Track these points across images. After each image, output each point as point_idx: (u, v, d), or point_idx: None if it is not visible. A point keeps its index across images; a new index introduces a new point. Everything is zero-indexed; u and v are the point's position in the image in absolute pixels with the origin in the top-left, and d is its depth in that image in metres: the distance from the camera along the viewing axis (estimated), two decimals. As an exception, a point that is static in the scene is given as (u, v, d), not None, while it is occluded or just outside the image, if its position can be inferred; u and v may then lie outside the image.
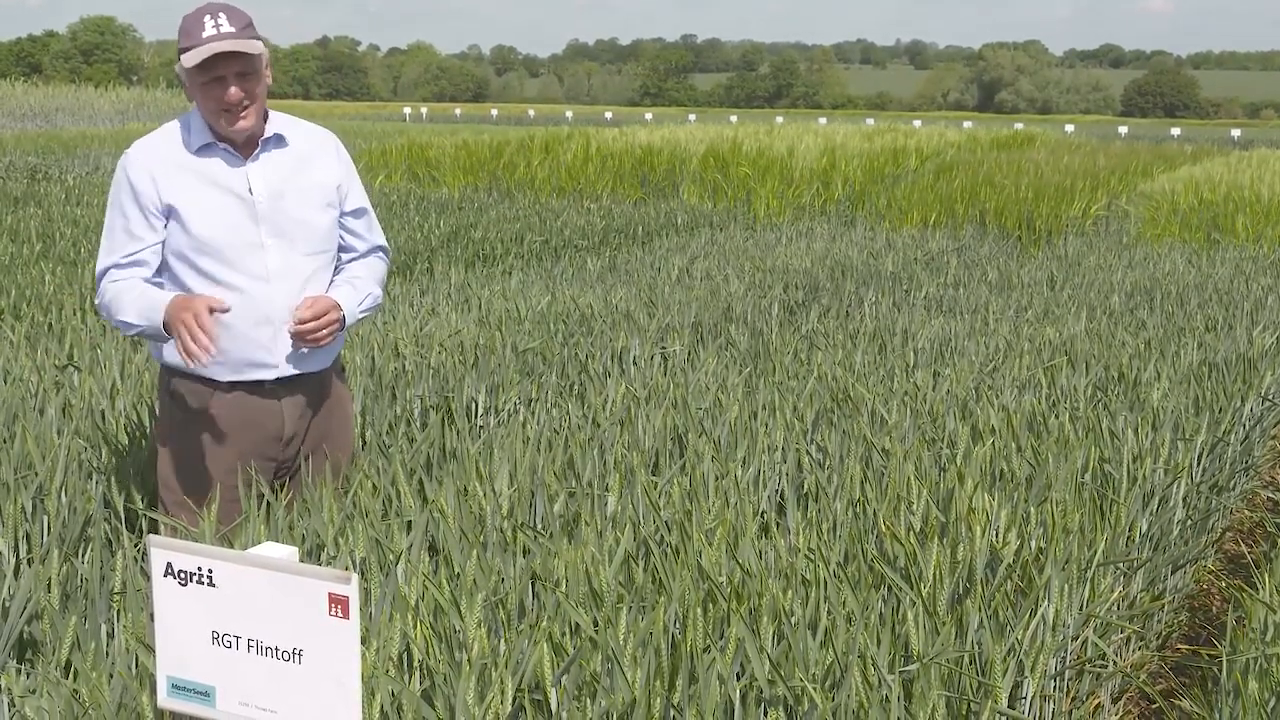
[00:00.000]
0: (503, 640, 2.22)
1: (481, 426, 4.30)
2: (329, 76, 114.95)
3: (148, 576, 2.03)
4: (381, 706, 2.00)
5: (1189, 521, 3.68)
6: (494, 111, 57.83)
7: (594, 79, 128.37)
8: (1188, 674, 3.37)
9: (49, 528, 3.07)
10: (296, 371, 2.88)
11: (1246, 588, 2.94)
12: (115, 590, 2.52)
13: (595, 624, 2.27)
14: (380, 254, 3.11)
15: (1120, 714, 3.00)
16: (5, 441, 3.55)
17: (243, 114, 2.74)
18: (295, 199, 2.85)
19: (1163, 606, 3.43)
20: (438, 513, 2.80)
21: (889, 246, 9.81)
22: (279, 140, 2.86)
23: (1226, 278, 8.15)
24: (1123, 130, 37.19)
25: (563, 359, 5.01)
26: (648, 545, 2.73)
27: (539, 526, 2.99)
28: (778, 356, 5.10)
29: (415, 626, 2.20)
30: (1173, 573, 3.56)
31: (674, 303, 6.56)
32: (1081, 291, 7.50)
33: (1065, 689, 2.76)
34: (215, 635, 1.73)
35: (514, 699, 2.08)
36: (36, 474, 3.17)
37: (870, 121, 33.00)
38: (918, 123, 31.12)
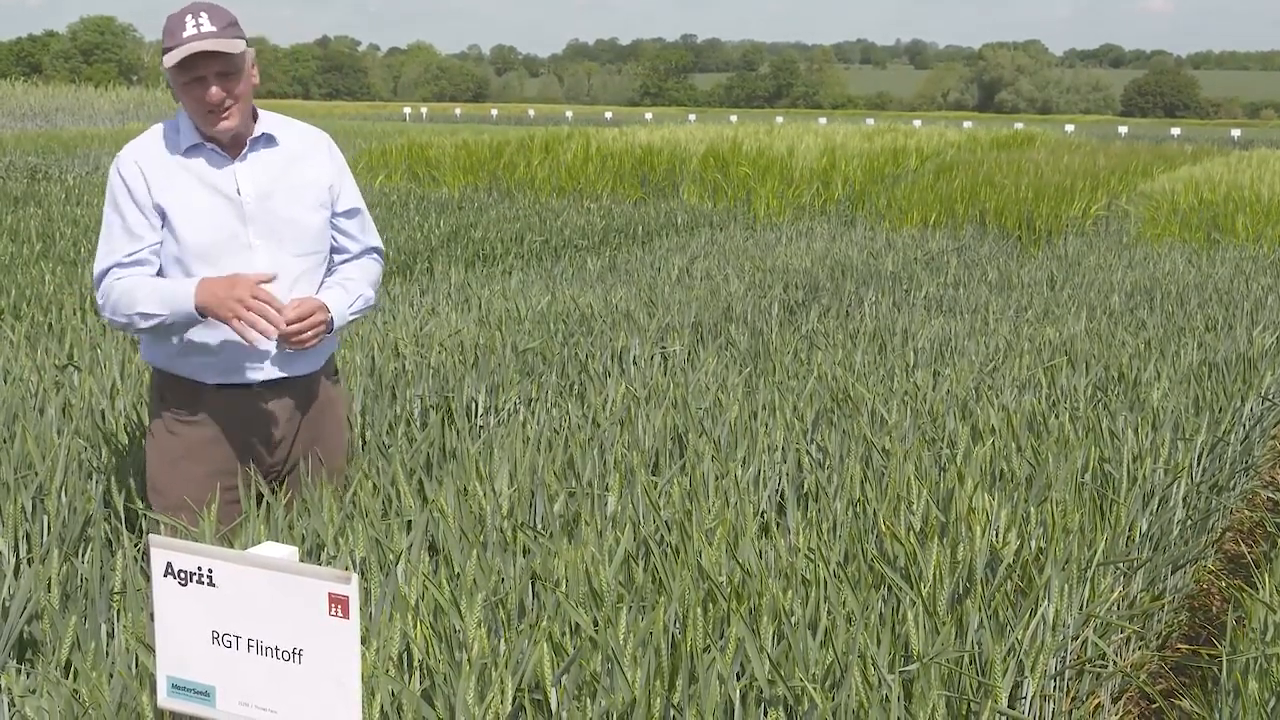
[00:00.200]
0: (503, 640, 2.22)
1: (481, 426, 4.30)
2: (329, 76, 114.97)
3: (148, 576, 2.03)
4: (381, 706, 2.00)
5: (1189, 521, 3.68)
6: (494, 111, 57.85)
7: (594, 79, 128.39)
8: (1188, 674, 3.37)
9: (49, 528, 3.07)
10: (284, 374, 2.86)
11: (1246, 588, 2.94)
12: (115, 590, 2.52)
13: (595, 624, 2.27)
14: (374, 255, 3.07)
15: (1120, 714, 3.00)
16: (5, 441, 3.55)
17: (225, 114, 2.71)
18: (284, 198, 2.82)
19: (1163, 606, 3.43)
20: (438, 513, 2.80)
21: (889, 246, 9.81)
22: (269, 140, 2.84)
23: (1226, 278, 8.15)
24: (1123, 130, 37.20)
25: (563, 359, 5.01)
26: (648, 545, 2.73)
27: (539, 526, 2.99)
28: (778, 356, 5.10)
29: (415, 626, 2.20)
30: (1173, 573, 3.56)
31: (674, 302, 6.56)
32: (1081, 291, 7.50)
33: (1065, 689, 2.76)
34: (215, 635, 1.73)
35: (514, 699, 2.08)
36: (36, 474, 3.17)
37: (870, 121, 33.00)
38: (918, 123, 31.12)
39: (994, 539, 2.80)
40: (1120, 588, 3.12)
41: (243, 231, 2.77)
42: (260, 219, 2.79)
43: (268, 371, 2.83)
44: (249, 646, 1.71)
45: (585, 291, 7.05)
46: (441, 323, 5.81)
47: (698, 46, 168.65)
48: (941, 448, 3.56)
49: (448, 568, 2.57)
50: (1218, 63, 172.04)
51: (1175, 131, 35.13)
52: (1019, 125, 31.65)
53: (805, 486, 3.28)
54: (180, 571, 1.74)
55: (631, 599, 2.41)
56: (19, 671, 2.35)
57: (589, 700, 2.08)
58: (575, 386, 4.76)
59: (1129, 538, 3.30)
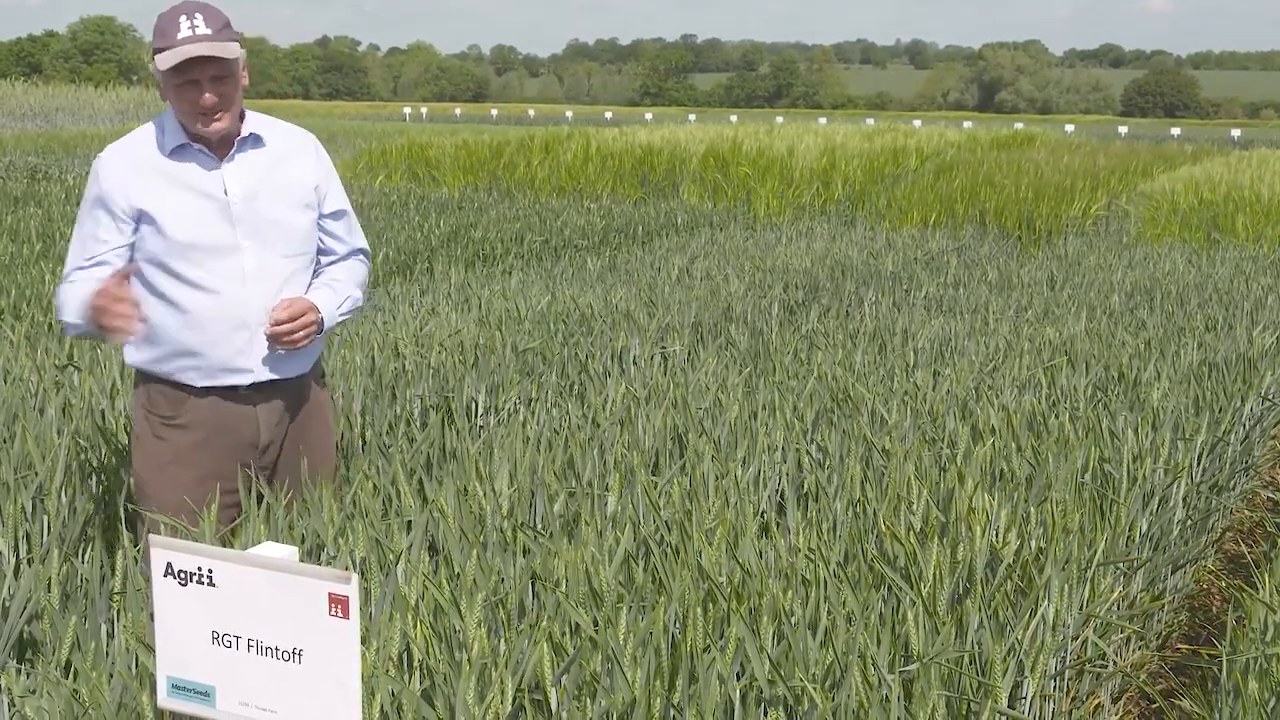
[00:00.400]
0: (503, 640, 2.21)
1: (481, 426, 4.30)
2: (329, 76, 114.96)
3: (148, 577, 2.03)
4: (381, 706, 2.00)
5: (1189, 521, 3.68)
6: (494, 111, 57.85)
7: (594, 79, 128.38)
8: (1188, 674, 3.37)
9: (49, 528, 3.07)
10: (274, 377, 2.83)
11: (1246, 588, 2.94)
12: (115, 590, 2.52)
13: (595, 624, 2.27)
14: (361, 256, 3.05)
15: (1120, 714, 3.00)
16: (5, 441, 3.54)
17: (217, 117, 2.69)
18: (270, 198, 2.79)
19: (1163, 606, 3.43)
20: (438, 513, 2.80)
21: (889, 246, 9.82)
22: (255, 140, 2.81)
23: (1226, 278, 8.15)
24: (1123, 130, 37.20)
25: (563, 359, 5.01)
26: (648, 545, 2.73)
27: (539, 526, 2.99)
28: (778, 356, 5.10)
29: (415, 626, 2.19)
30: (1173, 573, 3.56)
31: (674, 302, 6.56)
32: (1081, 291, 7.50)
33: (1065, 689, 2.76)
34: (215, 635, 1.73)
35: (514, 699, 2.08)
36: (36, 474, 3.17)
37: (870, 121, 32.99)
38: (918, 123, 31.12)
39: (994, 539, 2.80)
40: (1120, 588, 3.12)
41: (230, 233, 2.75)
42: (247, 220, 2.76)
43: (258, 374, 2.80)
44: (249, 646, 1.71)
45: (585, 291, 7.05)
46: (441, 323, 5.81)
47: (698, 46, 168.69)
48: (941, 448, 3.56)
49: (448, 568, 2.57)
50: (1218, 63, 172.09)
51: (1175, 131, 35.13)
52: (1019, 125, 31.65)
53: (805, 486, 3.28)
54: (180, 571, 1.74)
55: (631, 599, 2.40)
56: (19, 671, 2.35)
57: (589, 700, 2.08)
58: (575, 386, 4.76)
59: (1129, 538, 3.30)
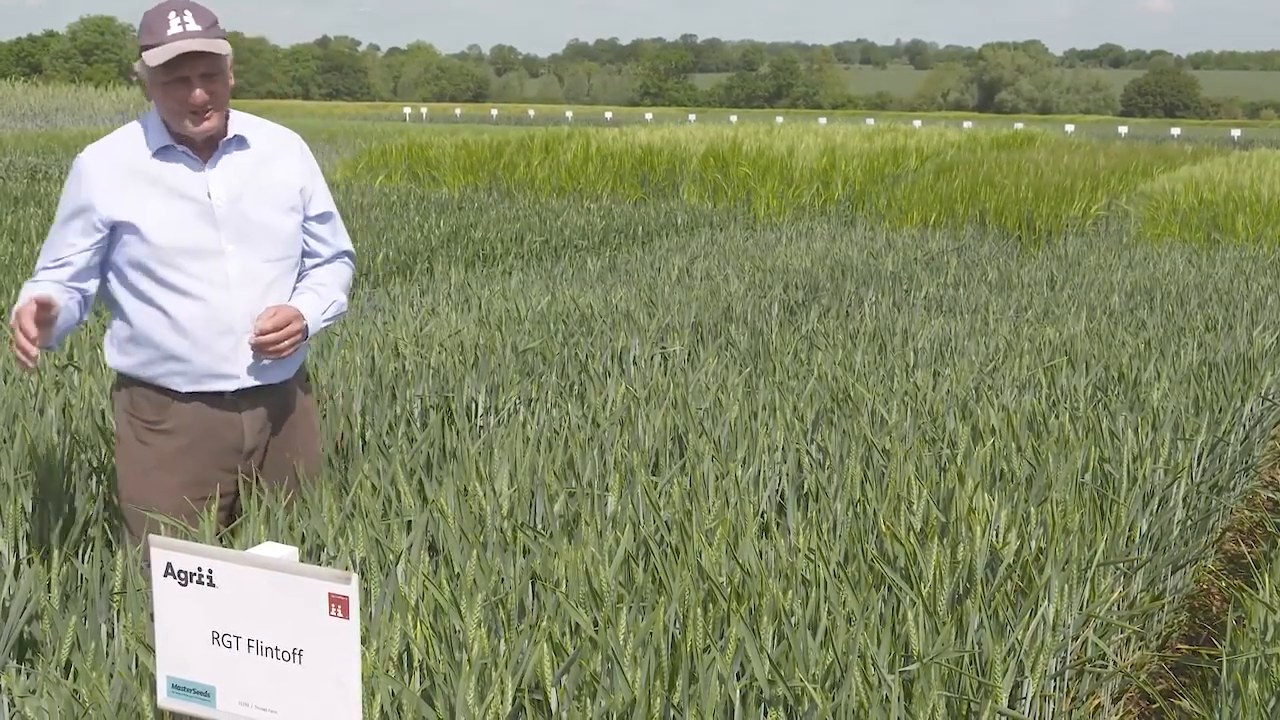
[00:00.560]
0: (503, 640, 2.22)
1: (481, 426, 4.30)
2: (329, 76, 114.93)
3: (148, 577, 2.03)
4: (381, 706, 2.00)
5: (1189, 521, 3.68)
6: (494, 111, 57.87)
7: (594, 79, 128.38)
8: (1188, 674, 3.37)
9: (49, 528, 3.07)
10: (258, 383, 2.79)
11: (1246, 588, 2.94)
12: (115, 590, 2.52)
13: (595, 624, 2.27)
14: (346, 259, 3.01)
15: (1120, 714, 3.00)
16: (5, 441, 3.55)
17: (206, 116, 2.66)
18: (255, 200, 2.76)
19: (1163, 606, 3.43)
20: (438, 513, 2.80)
21: (889, 246, 9.82)
22: (240, 141, 2.77)
23: (1226, 278, 8.15)
24: (1123, 130, 37.20)
25: (563, 359, 5.01)
26: (648, 545, 2.73)
27: (539, 526, 2.99)
28: (778, 356, 5.10)
29: (415, 626, 2.20)
30: (1173, 573, 3.56)
31: (674, 303, 6.56)
32: (1081, 291, 7.50)
33: (1065, 689, 2.76)
34: (215, 635, 1.73)
35: (514, 699, 2.08)
36: (36, 474, 3.17)
37: (870, 121, 32.99)
38: (918, 123, 31.12)
39: (994, 539, 2.80)
40: (1120, 588, 3.12)
41: (215, 236, 2.71)
42: (231, 223, 2.72)
43: (243, 380, 2.77)
44: (249, 646, 1.71)
45: (585, 292, 7.06)
46: (441, 323, 5.81)
47: (698, 46, 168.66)
48: (942, 448, 3.56)
49: (448, 568, 2.57)
50: (1218, 63, 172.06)
51: (1175, 131, 35.13)
52: (1019, 125, 31.65)
53: (805, 486, 3.28)
54: (180, 571, 1.74)
55: (631, 599, 2.41)
56: (19, 671, 2.35)
57: (589, 700, 2.08)
58: (575, 387, 4.76)
59: (1129, 538, 3.30)
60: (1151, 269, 8.63)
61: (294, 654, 1.68)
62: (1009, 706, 2.45)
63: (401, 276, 8.30)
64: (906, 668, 2.27)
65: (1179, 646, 3.55)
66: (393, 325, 5.72)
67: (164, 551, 1.75)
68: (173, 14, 2.60)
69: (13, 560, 2.95)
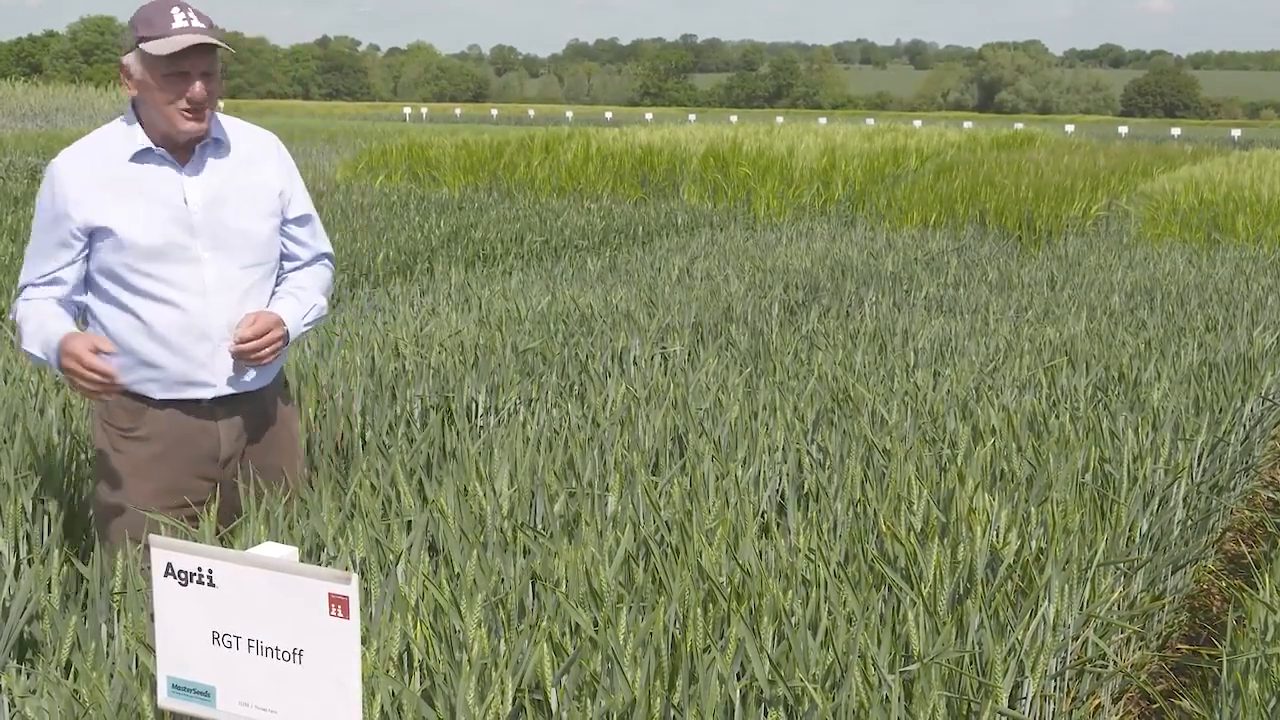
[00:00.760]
0: (503, 640, 2.21)
1: (481, 426, 4.30)
2: (329, 76, 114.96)
3: (148, 577, 2.03)
4: (381, 706, 2.00)
5: (1189, 521, 3.68)
6: (494, 111, 57.89)
7: (594, 79, 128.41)
8: (1188, 674, 3.37)
9: (49, 528, 3.07)
10: (234, 390, 2.76)
11: (1246, 588, 2.94)
12: (115, 590, 2.52)
13: (595, 624, 2.27)
14: (325, 261, 2.97)
15: (1120, 714, 3.00)
16: (5, 441, 3.54)
17: (199, 115, 2.63)
18: (234, 205, 2.72)
19: (1163, 606, 3.43)
20: (438, 513, 2.80)
21: (889, 246, 9.82)
22: (218, 144, 2.74)
23: (1226, 278, 8.15)
24: (1123, 130, 37.20)
25: (563, 359, 5.01)
26: (648, 545, 2.73)
27: (539, 526, 2.99)
28: (778, 356, 5.10)
29: (415, 626, 2.19)
30: (1173, 573, 3.56)
31: (674, 303, 6.56)
32: (1081, 291, 7.50)
33: (1065, 689, 2.76)
34: (215, 635, 1.73)
35: (514, 699, 2.08)
36: (37, 474, 3.17)
37: (870, 121, 32.99)
38: (918, 123, 31.12)
39: (994, 539, 2.80)
40: (1120, 588, 3.12)
41: (191, 244, 2.67)
42: (207, 229, 2.69)
43: (220, 388, 2.74)
44: (249, 647, 1.71)
45: (585, 292, 7.05)
46: (441, 323, 5.81)
47: (698, 46, 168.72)
48: (942, 448, 3.56)
49: (448, 568, 2.57)
50: (1218, 63, 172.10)
51: (1175, 131, 35.13)
52: (1019, 125, 31.66)
53: (805, 487, 3.28)
54: (180, 572, 1.74)
55: (631, 599, 2.40)
56: (19, 671, 2.35)
57: (589, 700, 2.08)
58: (575, 387, 4.76)
59: (1129, 538, 3.30)
60: (1152, 269, 8.63)
61: (294, 654, 1.68)
62: (1009, 706, 2.45)
63: (402, 276, 8.30)
64: (907, 668, 2.27)
65: (1179, 646, 3.55)
66: (393, 325, 5.72)
67: (164, 551, 1.75)
68: (175, 9, 2.59)
69: (13, 560, 2.95)
